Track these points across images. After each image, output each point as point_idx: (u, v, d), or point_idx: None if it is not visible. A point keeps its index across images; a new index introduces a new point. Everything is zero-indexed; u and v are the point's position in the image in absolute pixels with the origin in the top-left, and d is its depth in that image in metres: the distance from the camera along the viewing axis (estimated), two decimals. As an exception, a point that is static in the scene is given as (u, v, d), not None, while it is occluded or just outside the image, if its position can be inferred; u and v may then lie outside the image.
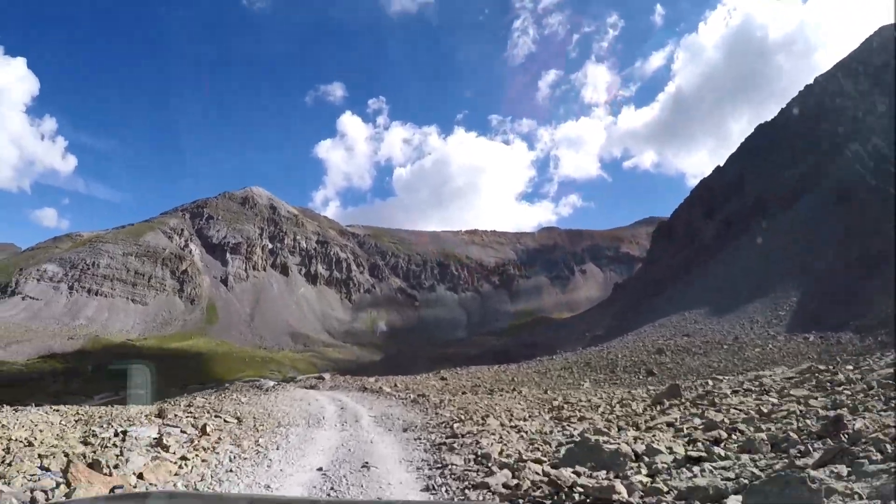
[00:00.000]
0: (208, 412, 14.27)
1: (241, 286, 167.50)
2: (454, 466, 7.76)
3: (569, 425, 11.40)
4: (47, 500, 5.38)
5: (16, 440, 8.98)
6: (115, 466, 7.02)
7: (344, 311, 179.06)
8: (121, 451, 7.98)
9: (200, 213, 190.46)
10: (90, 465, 6.79)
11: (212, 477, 7.42)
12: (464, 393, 25.44)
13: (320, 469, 8.08)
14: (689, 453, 6.75)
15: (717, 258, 71.23)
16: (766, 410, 9.82)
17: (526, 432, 10.74)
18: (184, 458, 8.19)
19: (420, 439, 10.58)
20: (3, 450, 8.06)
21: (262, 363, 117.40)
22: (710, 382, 19.29)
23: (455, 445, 9.34)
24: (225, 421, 12.41)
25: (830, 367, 17.24)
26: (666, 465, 6.37)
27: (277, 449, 9.68)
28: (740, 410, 10.46)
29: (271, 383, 32.91)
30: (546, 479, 6.07)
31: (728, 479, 5.33)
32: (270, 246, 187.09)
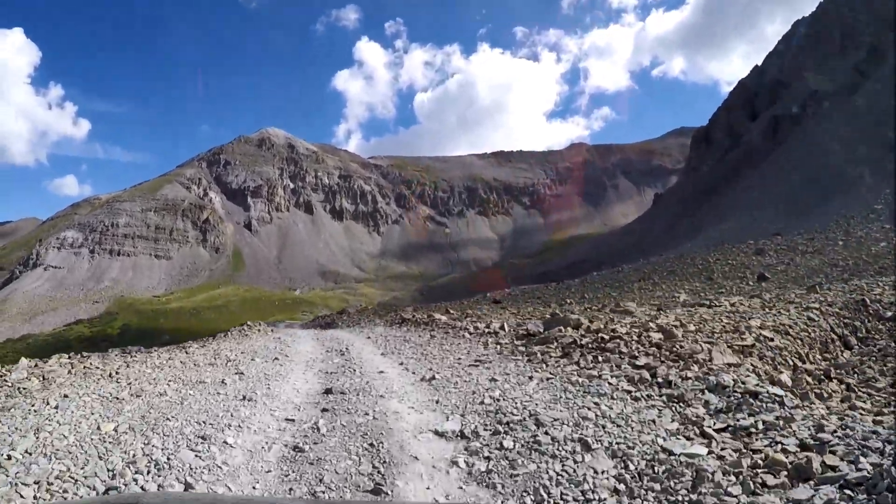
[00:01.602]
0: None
1: (265, 229, 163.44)
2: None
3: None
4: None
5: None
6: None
7: (373, 244, 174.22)
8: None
9: (217, 160, 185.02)
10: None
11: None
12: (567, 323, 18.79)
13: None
14: None
15: (769, 159, 67.96)
16: None
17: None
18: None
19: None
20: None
21: (293, 305, 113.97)
22: None
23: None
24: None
25: None
26: None
27: None
28: None
29: (265, 328, 25.43)
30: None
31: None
32: (292, 186, 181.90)
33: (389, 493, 4.19)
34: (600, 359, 7.65)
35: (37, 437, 5.16)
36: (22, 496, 4.03)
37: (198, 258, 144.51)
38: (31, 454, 4.83)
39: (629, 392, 6.19)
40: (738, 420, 4.99)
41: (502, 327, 12.95)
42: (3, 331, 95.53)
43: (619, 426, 4.97)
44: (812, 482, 3.60)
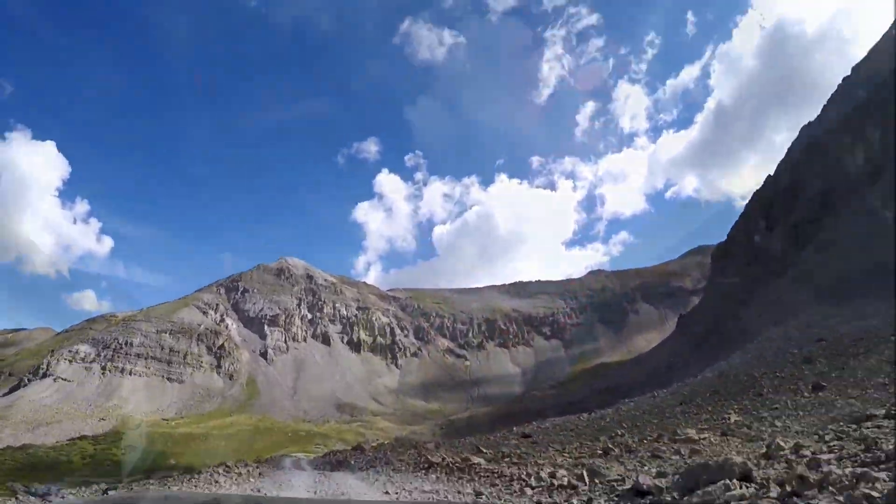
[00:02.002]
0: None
1: (281, 359, 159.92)
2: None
3: None
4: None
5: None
6: None
7: (391, 377, 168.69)
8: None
9: (235, 286, 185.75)
10: None
11: None
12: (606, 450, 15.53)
13: None
14: None
15: (793, 266, 65.92)
16: None
17: None
18: None
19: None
20: None
21: (307, 437, 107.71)
22: None
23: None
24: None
25: None
26: None
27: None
28: None
29: (250, 471, 21.46)
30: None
31: None
32: (309, 316, 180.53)
33: None
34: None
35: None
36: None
37: (211, 384, 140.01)
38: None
39: None
40: None
41: (581, 478, 9.96)
42: (4, 437, 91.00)
43: None
44: None
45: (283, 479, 18.74)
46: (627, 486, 8.57)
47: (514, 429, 35.52)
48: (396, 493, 11.46)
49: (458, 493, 10.75)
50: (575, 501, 8.36)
